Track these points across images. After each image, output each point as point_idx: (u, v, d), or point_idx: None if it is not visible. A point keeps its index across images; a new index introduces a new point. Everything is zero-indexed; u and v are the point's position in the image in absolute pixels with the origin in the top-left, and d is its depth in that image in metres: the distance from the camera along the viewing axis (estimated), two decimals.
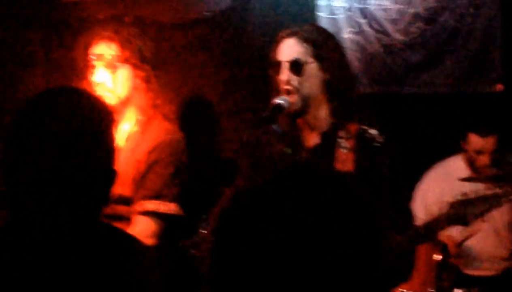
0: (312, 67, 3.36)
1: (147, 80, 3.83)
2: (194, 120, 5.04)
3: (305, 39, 3.36)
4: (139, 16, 5.03)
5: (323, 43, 3.38)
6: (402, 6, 5.23)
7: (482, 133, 4.73)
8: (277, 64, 3.39)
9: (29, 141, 2.06)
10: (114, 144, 2.18)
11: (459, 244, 4.65)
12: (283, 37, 3.41)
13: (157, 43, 4.89)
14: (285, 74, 3.36)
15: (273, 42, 3.46)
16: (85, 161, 2.07)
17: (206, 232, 3.51)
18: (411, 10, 5.22)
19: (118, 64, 3.78)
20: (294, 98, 3.35)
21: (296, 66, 3.35)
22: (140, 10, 5.05)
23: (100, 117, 2.13)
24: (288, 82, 3.35)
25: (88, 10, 4.95)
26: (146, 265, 2.17)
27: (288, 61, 3.36)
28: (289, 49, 3.38)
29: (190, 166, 3.89)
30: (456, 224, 3.56)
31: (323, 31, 3.53)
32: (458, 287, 4.51)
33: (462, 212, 3.49)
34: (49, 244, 2.04)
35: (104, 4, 4.99)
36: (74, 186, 2.06)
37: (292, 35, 3.39)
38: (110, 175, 2.14)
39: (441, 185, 4.91)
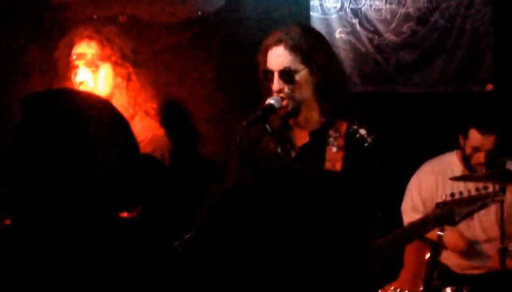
0: (302, 74, 3.38)
1: (128, 78, 3.86)
2: (183, 120, 5.06)
3: (293, 47, 3.35)
4: (134, 15, 5.05)
5: (312, 48, 3.38)
6: (393, 6, 5.25)
7: (483, 131, 4.77)
8: (268, 73, 3.41)
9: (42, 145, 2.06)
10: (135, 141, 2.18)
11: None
12: (271, 45, 3.41)
13: (150, 43, 4.94)
14: (277, 83, 3.37)
15: (261, 49, 3.45)
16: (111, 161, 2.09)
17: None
18: (403, 10, 5.25)
19: (99, 62, 3.82)
20: (286, 103, 3.37)
21: (287, 75, 3.36)
22: (134, 10, 5.06)
23: (113, 117, 2.15)
24: (280, 90, 3.37)
25: (83, 11, 4.97)
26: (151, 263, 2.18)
27: (278, 71, 3.37)
28: (278, 58, 3.37)
29: (181, 167, 3.91)
30: (443, 224, 3.60)
31: (310, 34, 3.50)
32: (448, 286, 4.55)
33: (448, 212, 3.53)
34: (64, 242, 2.05)
35: (99, 4, 5.00)
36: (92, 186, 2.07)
37: (280, 42, 3.37)
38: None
39: (435, 180, 4.96)
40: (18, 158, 2.06)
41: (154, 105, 3.94)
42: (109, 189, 2.13)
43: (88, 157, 2.07)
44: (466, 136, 4.86)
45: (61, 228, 2.06)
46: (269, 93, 3.42)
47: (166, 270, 2.17)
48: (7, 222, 2.70)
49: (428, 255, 4.60)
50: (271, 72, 3.39)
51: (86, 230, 2.08)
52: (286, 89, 3.36)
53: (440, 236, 4.62)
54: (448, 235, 4.72)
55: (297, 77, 3.36)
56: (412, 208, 4.92)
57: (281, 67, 3.36)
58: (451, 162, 5.02)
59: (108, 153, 2.12)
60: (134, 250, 2.14)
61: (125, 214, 3.68)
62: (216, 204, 1.53)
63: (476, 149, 4.82)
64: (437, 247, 4.64)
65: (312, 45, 3.39)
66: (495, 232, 4.75)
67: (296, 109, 3.40)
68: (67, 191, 2.04)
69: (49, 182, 2.04)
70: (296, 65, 3.36)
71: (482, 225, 4.92)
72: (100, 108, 2.14)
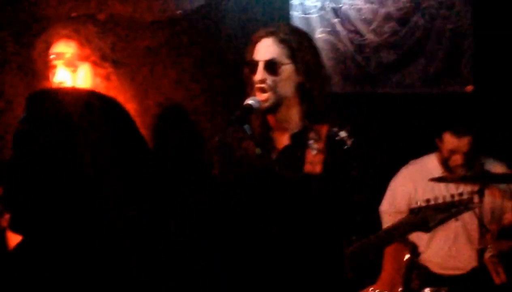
0: (287, 68, 3.37)
1: (107, 78, 3.83)
2: (163, 120, 5.03)
3: (282, 40, 3.37)
4: (112, 14, 5.01)
5: (300, 46, 3.39)
6: (374, 6, 5.24)
7: (457, 133, 4.79)
8: (253, 64, 3.40)
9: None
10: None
11: None
12: (261, 37, 3.41)
13: (129, 41, 4.90)
14: (260, 73, 3.36)
15: (250, 41, 3.46)
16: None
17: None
18: (384, 11, 5.24)
19: (77, 62, 3.79)
20: (267, 96, 3.36)
21: (272, 66, 3.36)
22: (113, 8, 5.03)
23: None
24: (263, 81, 3.35)
25: (61, 8, 4.93)
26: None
27: (264, 61, 3.37)
28: (266, 49, 3.38)
29: (161, 168, 3.89)
30: (418, 230, 3.60)
31: (300, 33, 3.53)
32: (427, 286, 4.56)
33: (422, 219, 3.53)
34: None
35: (77, 2, 4.96)
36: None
37: (270, 35, 3.39)
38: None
39: (414, 182, 4.98)
40: (18, 159, 2.05)
41: (134, 106, 3.91)
42: (110, 187, 2.11)
43: (86, 156, 2.06)
44: (441, 140, 4.89)
45: (60, 227, 2.04)
46: (252, 87, 3.40)
47: (166, 270, 2.17)
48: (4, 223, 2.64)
49: (407, 256, 4.61)
50: (256, 63, 3.38)
51: (85, 229, 2.06)
52: (268, 80, 3.35)
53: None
54: None
55: (282, 70, 3.36)
56: (393, 211, 4.92)
57: (267, 58, 3.36)
58: (431, 165, 5.03)
59: (108, 150, 2.10)
60: (134, 249, 2.13)
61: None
62: (197, 203, 1.54)
63: (453, 152, 4.84)
64: (416, 248, 4.65)
65: (301, 43, 3.40)
66: (476, 233, 4.76)
67: (276, 104, 3.38)
68: (66, 190, 2.03)
69: (48, 182, 2.02)
70: (283, 58, 3.37)
71: (465, 227, 4.93)
72: (98, 105, 2.12)
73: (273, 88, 3.36)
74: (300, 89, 3.41)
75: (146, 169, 2.16)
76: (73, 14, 4.84)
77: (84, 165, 2.08)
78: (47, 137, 2.05)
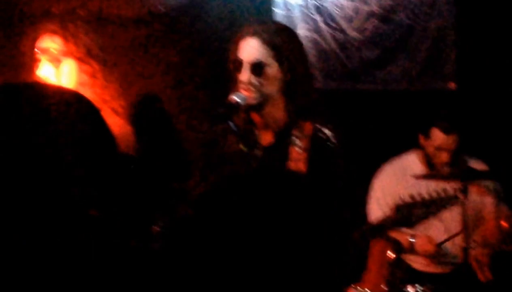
0: (272, 69, 3.36)
1: (93, 75, 3.82)
2: (147, 117, 5.00)
3: (267, 41, 3.35)
4: (94, 10, 4.99)
5: (285, 46, 3.37)
6: (356, 4, 5.24)
7: (446, 130, 4.78)
8: (238, 63, 3.38)
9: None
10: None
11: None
12: (246, 36, 3.39)
13: (113, 37, 4.88)
14: (245, 74, 3.35)
15: (234, 38, 3.44)
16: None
17: (158, 229, 3.49)
18: (366, 8, 5.24)
19: (61, 58, 3.78)
20: (252, 95, 3.35)
21: (257, 68, 3.34)
22: (95, 4, 5.00)
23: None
24: (248, 82, 3.35)
25: (44, 4, 4.90)
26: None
27: (249, 62, 3.35)
28: (251, 49, 3.36)
29: (147, 165, 3.88)
30: (402, 226, 3.61)
31: (285, 31, 3.50)
32: (411, 284, 4.56)
33: (407, 214, 3.53)
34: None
35: None
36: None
37: (255, 35, 3.37)
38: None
39: (397, 180, 4.97)
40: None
41: (122, 103, 3.90)
42: (76, 185, 2.09)
43: (54, 152, 2.04)
44: (427, 136, 4.87)
45: (26, 222, 2.02)
46: (236, 84, 3.39)
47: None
48: None
49: (391, 254, 4.61)
50: (241, 62, 3.37)
51: (50, 226, 2.04)
52: (254, 81, 3.34)
53: (411, 243, 4.65)
54: (418, 241, 4.73)
55: (267, 71, 3.35)
56: (379, 210, 4.91)
57: (252, 59, 3.34)
58: (412, 162, 5.03)
59: (77, 148, 2.08)
60: (98, 249, 2.11)
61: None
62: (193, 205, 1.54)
63: (439, 148, 4.83)
64: (400, 246, 4.66)
65: (286, 43, 3.39)
66: (459, 230, 4.76)
67: (261, 103, 3.38)
68: (32, 186, 2.01)
69: (14, 177, 2.00)
70: (268, 59, 3.35)
71: (445, 224, 4.93)
72: (70, 103, 2.10)
73: (259, 89, 3.35)
74: (285, 87, 3.40)
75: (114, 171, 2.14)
76: (54, 9, 4.82)
77: (48, 163, 2.05)
78: (12, 132, 2.03)
